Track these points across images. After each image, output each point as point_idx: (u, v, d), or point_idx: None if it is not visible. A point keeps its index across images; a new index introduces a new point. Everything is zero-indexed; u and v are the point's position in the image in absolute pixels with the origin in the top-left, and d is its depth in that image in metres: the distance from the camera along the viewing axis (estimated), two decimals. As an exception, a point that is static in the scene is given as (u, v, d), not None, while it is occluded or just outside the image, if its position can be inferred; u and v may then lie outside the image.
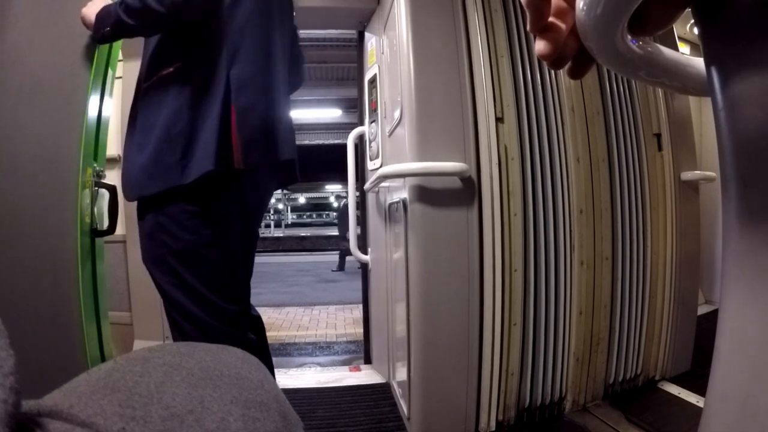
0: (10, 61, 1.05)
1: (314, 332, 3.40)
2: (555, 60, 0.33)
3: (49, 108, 1.14)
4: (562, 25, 0.31)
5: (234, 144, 0.97)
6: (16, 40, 1.06)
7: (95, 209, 1.29)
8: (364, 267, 2.42)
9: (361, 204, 2.42)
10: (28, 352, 1.01)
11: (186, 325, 1.02)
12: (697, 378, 1.83)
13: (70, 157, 1.20)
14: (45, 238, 1.11)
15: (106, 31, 1.03)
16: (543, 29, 0.31)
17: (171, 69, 1.00)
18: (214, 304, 1.02)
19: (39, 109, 1.11)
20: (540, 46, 0.31)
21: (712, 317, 2.38)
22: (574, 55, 0.33)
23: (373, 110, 2.12)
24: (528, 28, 0.31)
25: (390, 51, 1.83)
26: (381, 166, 1.96)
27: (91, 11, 1.05)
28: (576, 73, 0.34)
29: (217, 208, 1.02)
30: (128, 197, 1.04)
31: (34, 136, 1.09)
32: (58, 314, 1.14)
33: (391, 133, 1.80)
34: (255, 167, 1.03)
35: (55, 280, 1.14)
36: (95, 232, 1.29)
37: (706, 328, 2.06)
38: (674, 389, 1.76)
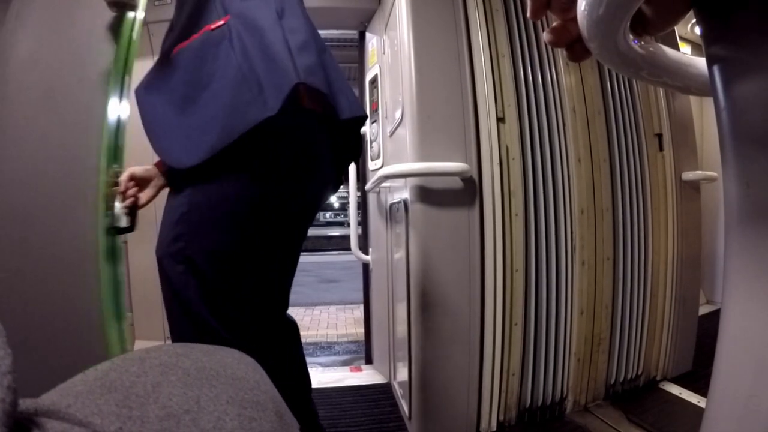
0: (29, 64, 1.08)
1: (315, 332, 3.40)
2: (554, 39, 0.33)
3: (69, 110, 1.15)
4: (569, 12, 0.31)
5: (298, 68, 0.88)
6: (34, 44, 1.09)
7: (116, 208, 1.29)
8: (365, 267, 2.42)
9: (362, 204, 2.42)
10: (53, 353, 1.04)
11: (190, 328, 0.93)
12: (698, 378, 1.83)
13: (90, 157, 1.19)
14: (68, 237, 1.12)
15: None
16: (543, 14, 0.31)
17: (221, 22, 0.94)
18: (226, 311, 0.93)
19: (58, 111, 1.12)
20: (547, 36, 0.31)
21: (713, 317, 2.39)
22: (575, 39, 0.33)
23: (374, 110, 2.12)
24: (528, 14, 0.31)
25: (391, 51, 1.83)
26: (382, 167, 1.96)
27: None
28: (576, 57, 0.34)
29: (265, 193, 0.92)
30: (182, 161, 0.89)
31: (55, 138, 1.11)
32: (83, 314, 1.14)
33: (392, 134, 1.80)
34: (320, 97, 0.92)
35: (78, 279, 1.14)
36: (116, 230, 1.29)
37: (708, 328, 2.06)
38: (675, 389, 1.76)
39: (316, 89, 0.90)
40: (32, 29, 1.09)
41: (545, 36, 0.34)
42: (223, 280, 0.91)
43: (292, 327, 1.16)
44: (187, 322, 0.92)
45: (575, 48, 0.33)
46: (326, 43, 1.10)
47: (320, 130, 0.97)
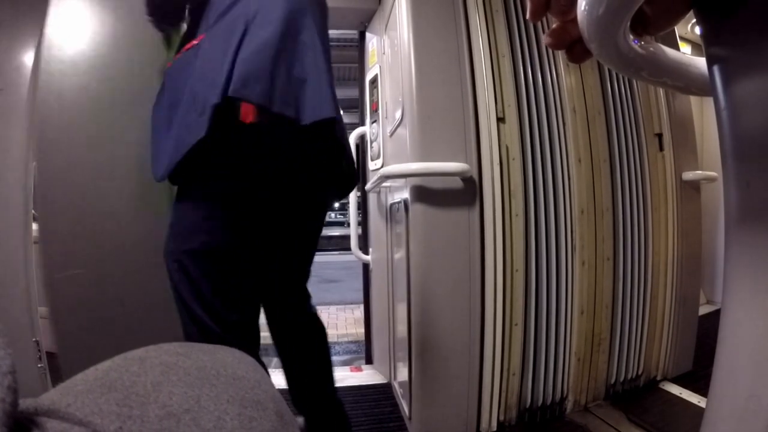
0: (105, 76, 1.24)
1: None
2: (554, 41, 0.33)
3: (136, 115, 1.26)
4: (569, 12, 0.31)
5: (233, 79, 0.90)
6: (108, 54, 1.24)
7: None
8: (365, 267, 2.41)
9: (363, 204, 2.42)
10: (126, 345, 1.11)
11: (191, 327, 1.00)
12: (698, 378, 1.83)
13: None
14: (144, 234, 1.24)
15: (152, 21, 1.15)
16: (542, 16, 0.31)
17: (195, 41, 1.02)
18: (216, 309, 0.99)
19: (128, 116, 1.26)
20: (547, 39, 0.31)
21: (713, 317, 2.39)
22: (574, 40, 0.33)
23: (374, 110, 2.12)
24: (527, 16, 0.31)
25: (391, 51, 1.83)
26: (382, 167, 1.96)
27: None
28: (576, 58, 0.34)
29: (233, 204, 0.99)
30: (156, 176, 1.00)
31: (127, 142, 1.25)
32: (163, 308, 1.21)
33: (392, 134, 1.80)
34: (260, 115, 0.92)
35: (155, 274, 1.20)
36: None
37: (708, 328, 2.05)
38: (676, 389, 1.76)
39: (250, 101, 0.91)
40: (107, 38, 1.24)
41: (545, 39, 0.34)
42: (209, 278, 0.98)
43: (304, 327, 1.23)
44: (187, 318, 1.00)
45: (575, 49, 0.33)
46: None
47: (270, 140, 0.98)
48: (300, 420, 1.40)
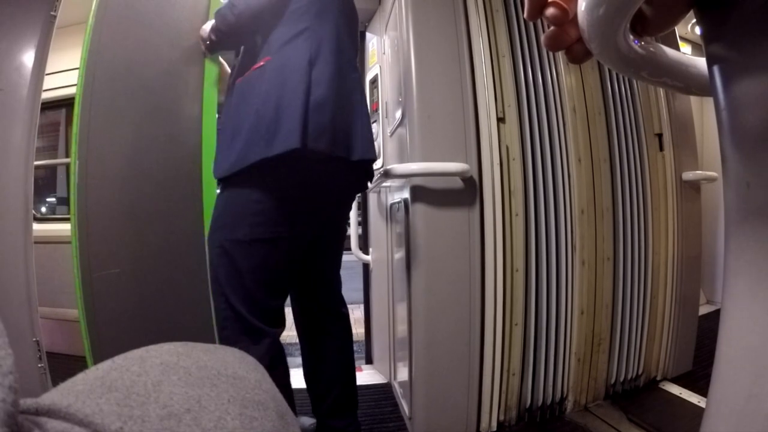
0: (144, 87, 1.33)
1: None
2: (553, 42, 0.33)
3: (171, 120, 1.39)
4: (566, 7, 0.31)
5: (308, 130, 1.07)
6: (152, 63, 1.34)
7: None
8: (365, 267, 2.41)
9: (363, 204, 2.42)
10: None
11: (224, 307, 1.13)
12: (698, 378, 1.83)
13: (192, 161, 1.43)
14: (182, 234, 1.33)
15: (207, 44, 1.36)
16: (539, 15, 0.31)
17: (262, 63, 1.16)
18: (254, 297, 1.13)
19: (163, 122, 1.37)
20: (549, 12, 0.31)
21: (713, 317, 2.39)
22: (573, 41, 0.33)
23: (375, 110, 2.12)
24: (525, 15, 0.31)
25: (391, 51, 1.83)
26: (382, 167, 1.96)
27: (204, 29, 1.37)
28: (576, 59, 0.34)
29: (279, 205, 1.13)
30: (215, 174, 1.19)
31: (160, 148, 1.33)
32: (198, 305, 1.33)
33: (392, 134, 1.80)
34: (323, 155, 1.10)
35: (192, 273, 1.34)
36: None
37: (708, 329, 2.06)
38: (676, 389, 1.76)
39: (319, 151, 1.09)
40: (141, 48, 1.34)
41: (544, 41, 0.34)
42: (247, 264, 1.12)
43: (344, 318, 1.38)
44: (221, 301, 1.14)
45: (575, 50, 0.33)
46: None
47: (323, 168, 1.15)
48: (306, 421, 1.42)
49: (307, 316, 1.37)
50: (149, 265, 1.30)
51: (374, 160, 1.24)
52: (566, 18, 0.31)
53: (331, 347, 1.35)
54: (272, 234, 1.13)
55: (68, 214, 2.73)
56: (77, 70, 1.24)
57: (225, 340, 1.16)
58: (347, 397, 1.35)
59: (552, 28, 0.33)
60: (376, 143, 2.09)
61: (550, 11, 0.31)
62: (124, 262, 1.27)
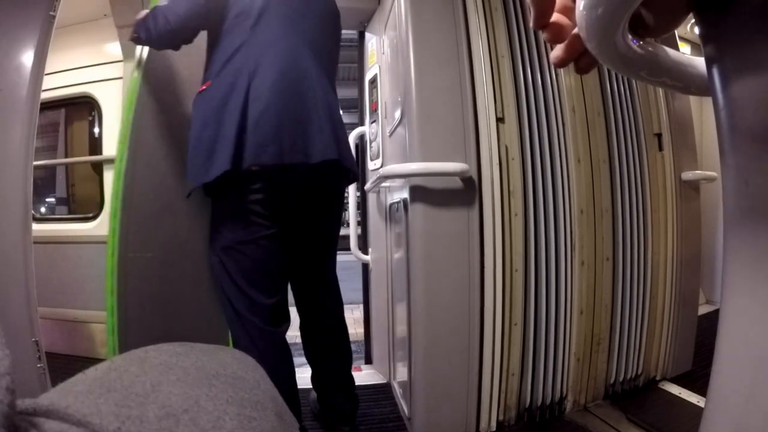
0: (180, 102, 1.46)
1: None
2: (560, 61, 0.33)
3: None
4: (567, 22, 0.31)
5: (245, 148, 1.12)
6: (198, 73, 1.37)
7: None
8: (364, 267, 2.41)
9: (362, 204, 2.42)
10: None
11: (229, 309, 1.23)
12: (697, 378, 1.83)
13: None
14: (202, 231, 1.41)
15: (135, 36, 1.30)
16: (546, 25, 0.31)
17: (204, 87, 1.22)
18: (249, 296, 1.20)
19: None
20: (545, 35, 0.31)
21: (713, 317, 2.39)
22: (581, 53, 0.33)
23: (374, 110, 2.12)
24: (531, 24, 0.31)
25: (390, 51, 1.83)
26: (382, 167, 1.96)
27: (137, 18, 1.30)
28: (582, 69, 0.34)
29: (247, 209, 1.19)
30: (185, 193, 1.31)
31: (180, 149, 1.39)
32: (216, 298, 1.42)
33: (391, 134, 1.80)
34: (270, 168, 1.15)
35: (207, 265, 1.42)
36: None
37: (707, 328, 2.06)
38: (675, 389, 1.76)
39: (263, 164, 1.14)
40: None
41: (552, 60, 0.34)
42: (233, 266, 1.21)
43: (327, 323, 1.43)
44: (225, 300, 1.24)
45: (581, 61, 0.33)
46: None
47: (281, 176, 1.19)
48: (314, 394, 1.53)
49: (302, 313, 1.46)
50: (177, 255, 1.44)
51: (337, 159, 1.22)
52: (563, 37, 0.31)
53: (323, 331, 1.44)
54: (251, 236, 1.20)
55: (69, 214, 2.73)
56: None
57: (234, 339, 1.26)
58: (346, 376, 1.45)
59: (557, 47, 0.33)
60: (375, 143, 2.10)
61: (545, 36, 0.31)
62: (156, 249, 1.41)
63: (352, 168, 1.33)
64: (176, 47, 1.31)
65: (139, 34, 1.28)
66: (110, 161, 2.35)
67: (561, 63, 0.33)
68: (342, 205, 1.50)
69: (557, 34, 0.31)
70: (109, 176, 2.36)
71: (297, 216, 1.30)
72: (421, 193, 1.44)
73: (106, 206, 2.36)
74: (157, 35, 1.24)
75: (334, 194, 1.40)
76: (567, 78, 1.62)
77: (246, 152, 1.11)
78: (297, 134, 1.16)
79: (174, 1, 1.23)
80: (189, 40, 1.28)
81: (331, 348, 1.44)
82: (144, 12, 1.30)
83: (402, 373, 1.67)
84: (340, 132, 1.26)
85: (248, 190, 1.17)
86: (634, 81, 1.75)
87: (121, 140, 1.40)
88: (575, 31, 0.32)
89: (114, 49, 2.34)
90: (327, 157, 1.19)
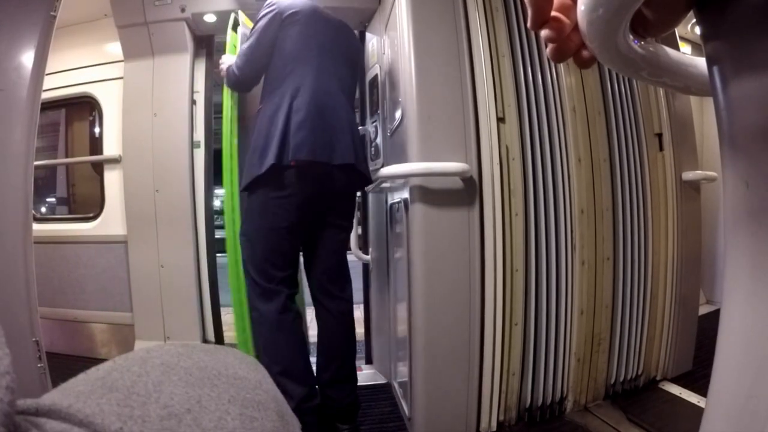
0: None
1: (315, 332, 3.39)
2: (558, 54, 0.33)
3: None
4: (566, 20, 0.31)
5: (288, 147, 1.44)
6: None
7: None
8: (365, 267, 2.41)
9: (363, 204, 2.41)
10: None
11: (248, 278, 1.56)
12: (698, 378, 1.83)
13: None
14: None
15: (222, 80, 1.81)
16: (543, 26, 0.31)
17: (259, 107, 1.59)
18: (264, 268, 1.51)
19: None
20: (544, 33, 0.31)
21: (713, 317, 2.39)
22: (579, 47, 0.33)
23: (374, 111, 2.12)
24: (528, 25, 0.31)
25: (391, 51, 1.82)
26: (382, 167, 1.96)
27: (222, 64, 1.80)
28: (583, 63, 0.34)
29: (271, 203, 1.49)
30: (239, 187, 1.79)
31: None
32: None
33: (392, 134, 1.80)
34: (303, 163, 1.44)
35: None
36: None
37: (707, 329, 2.05)
38: (675, 389, 1.76)
39: (300, 159, 1.44)
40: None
41: (548, 54, 0.34)
42: (257, 246, 1.54)
43: (322, 300, 1.63)
44: (245, 274, 1.60)
45: (581, 55, 0.33)
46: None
47: (310, 171, 1.49)
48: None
49: (312, 296, 1.67)
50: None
51: (352, 164, 1.53)
52: (563, 34, 0.31)
53: (329, 322, 1.61)
54: (279, 223, 1.50)
55: (69, 214, 2.73)
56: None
57: (249, 301, 1.63)
58: (347, 370, 1.58)
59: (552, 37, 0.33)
60: (375, 143, 2.10)
61: (544, 33, 0.31)
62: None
63: (365, 173, 1.62)
64: (248, 90, 1.80)
65: (226, 83, 1.79)
66: (110, 161, 2.35)
67: (559, 56, 0.33)
68: (354, 204, 1.77)
69: (556, 32, 0.31)
70: (109, 176, 2.37)
71: (314, 209, 1.55)
72: (422, 193, 1.44)
73: (107, 206, 2.36)
74: (235, 83, 1.72)
75: (347, 194, 1.67)
76: (568, 77, 1.62)
77: (287, 152, 1.43)
78: (325, 140, 1.47)
79: (238, 56, 1.66)
80: (257, 82, 1.70)
81: (336, 341, 1.61)
82: (228, 61, 1.74)
83: (402, 373, 1.67)
84: (357, 143, 1.57)
85: (274, 188, 1.49)
86: (634, 81, 1.75)
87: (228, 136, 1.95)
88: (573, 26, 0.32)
89: (114, 49, 2.34)
90: (346, 161, 1.50)
